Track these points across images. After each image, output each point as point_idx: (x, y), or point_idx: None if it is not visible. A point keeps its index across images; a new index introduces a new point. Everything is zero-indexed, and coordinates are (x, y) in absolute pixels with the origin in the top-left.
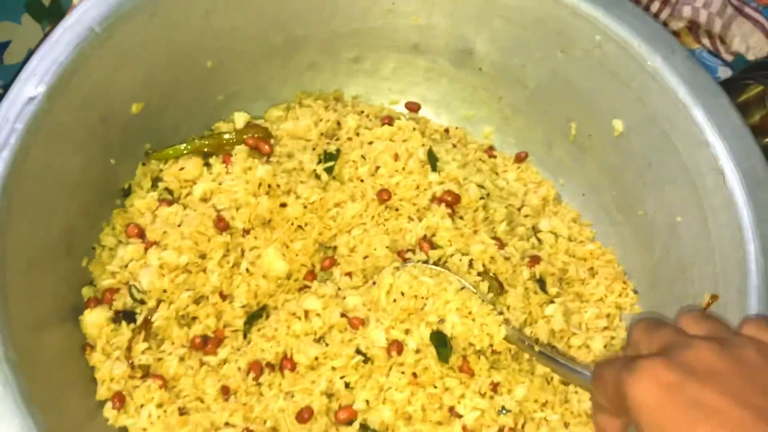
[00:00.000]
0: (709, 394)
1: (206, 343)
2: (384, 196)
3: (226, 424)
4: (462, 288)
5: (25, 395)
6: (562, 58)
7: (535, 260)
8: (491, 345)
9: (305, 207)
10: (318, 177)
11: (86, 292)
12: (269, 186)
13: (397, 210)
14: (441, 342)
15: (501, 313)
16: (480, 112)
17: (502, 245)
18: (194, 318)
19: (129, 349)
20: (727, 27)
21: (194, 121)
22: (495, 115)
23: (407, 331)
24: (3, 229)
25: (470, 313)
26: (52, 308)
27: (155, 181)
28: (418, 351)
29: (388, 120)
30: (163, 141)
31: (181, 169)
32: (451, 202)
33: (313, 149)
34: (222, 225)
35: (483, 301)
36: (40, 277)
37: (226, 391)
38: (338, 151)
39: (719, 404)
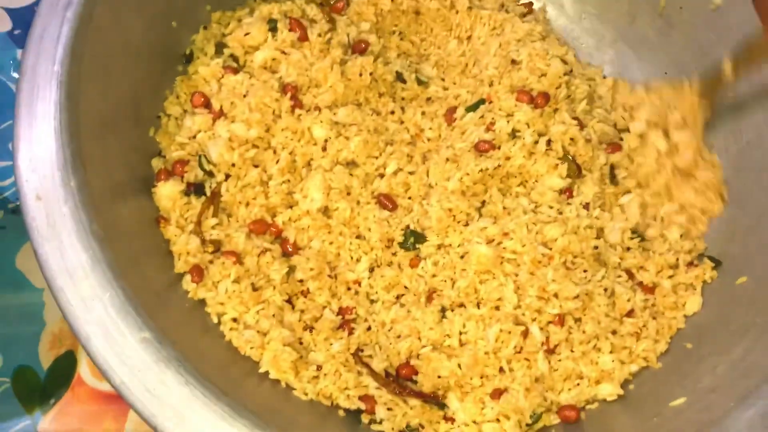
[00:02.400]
0: None
1: (264, 230)
2: None
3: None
4: None
5: (113, 269)
6: None
7: (615, 147)
8: None
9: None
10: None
11: (156, 163)
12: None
13: None
14: None
15: None
16: None
17: (582, 126)
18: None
19: (199, 224)
20: None
21: None
22: None
23: None
24: (76, 93)
25: None
26: (126, 179)
27: (219, 46)
28: None
29: None
30: (224, 2)
31: (246, 34)
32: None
33: None
34: (295, 103)
35: None
36: (111, 146)
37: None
38: None
39: None
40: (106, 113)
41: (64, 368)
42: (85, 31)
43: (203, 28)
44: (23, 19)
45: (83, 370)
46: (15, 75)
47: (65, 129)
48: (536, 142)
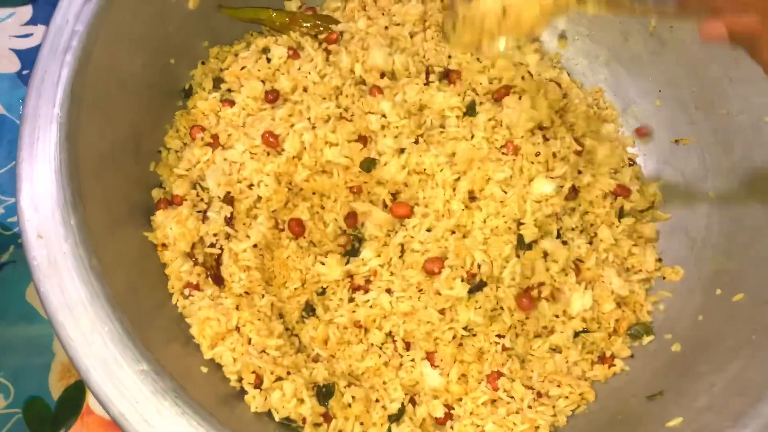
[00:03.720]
0: None
1: None
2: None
3: None
4: None
5: (112, 303)
6: None
7: (624, 191)
8: None
9: None
10: None
11: (156, 193)
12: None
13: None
14: None
15: None
16: None
17: (581, 146)
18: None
19: (192, 247)
20: None
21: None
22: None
23: None
24: (76, 133)
25: None
26: (125, 212)
27: (216, 81)
28: None
29: None
30: (221, 38)
31: (242, 68)
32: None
33: None
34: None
35: None
36: (111, 182)
37: None
38: None
39: None
40: (106, 151)
41: (74, 398)
42: (84, 73)
43: (201, 64)
44: (31, 60)
45: (92, 399)
46: None
47: (65, 169)
48: (532, 163)
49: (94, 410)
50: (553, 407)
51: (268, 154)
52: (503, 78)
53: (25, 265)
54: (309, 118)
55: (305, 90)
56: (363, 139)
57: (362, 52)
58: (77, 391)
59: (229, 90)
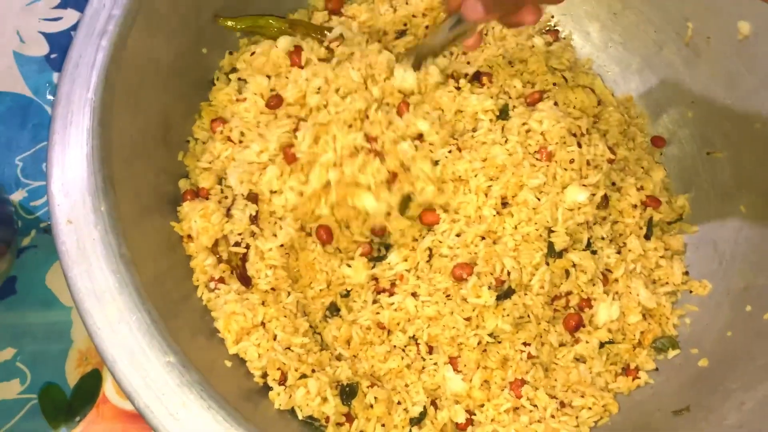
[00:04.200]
0: None
1: None
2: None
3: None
4: None
5: (140, 292)
6: None
7: (655, 202)
8: None
9: None
10: None
11: (183, 184)
12: None
13: None
14: None
15: None
16: (585, 5)
17: (614, 154)
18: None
19: (216, 243)
20: None
21: (281, 10)
22: (602, 10)
23: None
24: (108, 120)
25: None
26: (154, 201)
27: (231, 70)
28: None
29: None
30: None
31: (252, 53)
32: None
33: None
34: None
35: None
36: (141, 170)
37: None
38: None
39: None
40: (137, 139)
41: (90, 386)
42: (118, 58)
43: (228, 54)
44: (60, 44)
45: (108, 388)
46: (50, 98)
47: (97, 155)
48: (565, 170)
49: (110, 399)
50: (576, 418)
51: (291, 171)
52: (537, 82)
53: (46, 250)
54: (335, 149)
55: (325, 107)
56: (394, 176)
57: (372, 71)
58: (93, 380)
59: (243, 80)
